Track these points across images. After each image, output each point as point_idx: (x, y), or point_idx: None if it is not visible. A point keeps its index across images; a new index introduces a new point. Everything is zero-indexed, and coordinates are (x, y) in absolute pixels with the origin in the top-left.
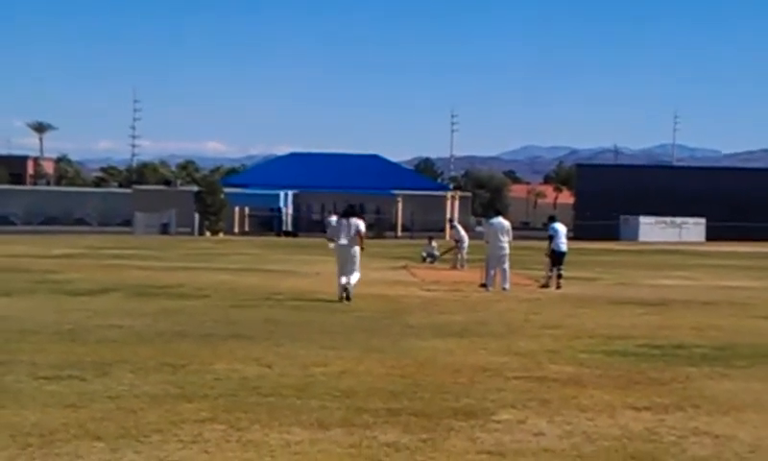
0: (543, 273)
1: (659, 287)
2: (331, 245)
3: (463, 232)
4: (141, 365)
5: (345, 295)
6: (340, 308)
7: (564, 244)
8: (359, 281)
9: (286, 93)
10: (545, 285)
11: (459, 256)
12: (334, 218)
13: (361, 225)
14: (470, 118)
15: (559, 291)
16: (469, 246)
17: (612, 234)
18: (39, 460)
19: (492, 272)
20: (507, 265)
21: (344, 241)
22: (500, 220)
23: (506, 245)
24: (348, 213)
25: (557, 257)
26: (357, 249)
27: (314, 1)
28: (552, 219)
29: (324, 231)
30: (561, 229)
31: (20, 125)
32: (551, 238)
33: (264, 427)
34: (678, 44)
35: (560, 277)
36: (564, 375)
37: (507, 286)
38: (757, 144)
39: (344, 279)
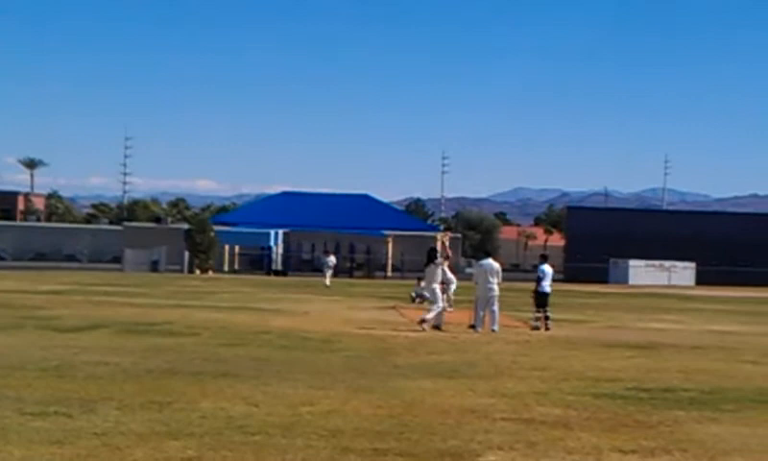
0: (532, 315)
1: (648, 330)
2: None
3: (450, 274)
4: (128, 402)
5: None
6: (328, 348)
7: (548, 286)
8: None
9: (278, 132)
10: (536, 327)
11: (445, 297)
12: (331, 259)
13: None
14: (461, 159)
15: (548, 333)
16: (458, 287)
17: (602, 277)
18: None
19: (482, 313)
20: (496, 307)
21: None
22: (490, 261)
23: (495, 286)
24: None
25: (541, 299)
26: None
27: (305, 41)
28: (544, 258)
29: (316, 271)
30: (548, 270)
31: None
32: (539, 280)
33: None
34: (668, 89)
35: (547, 318)
36: (552, 417)
37: (496, 328)
38: (747, 189)
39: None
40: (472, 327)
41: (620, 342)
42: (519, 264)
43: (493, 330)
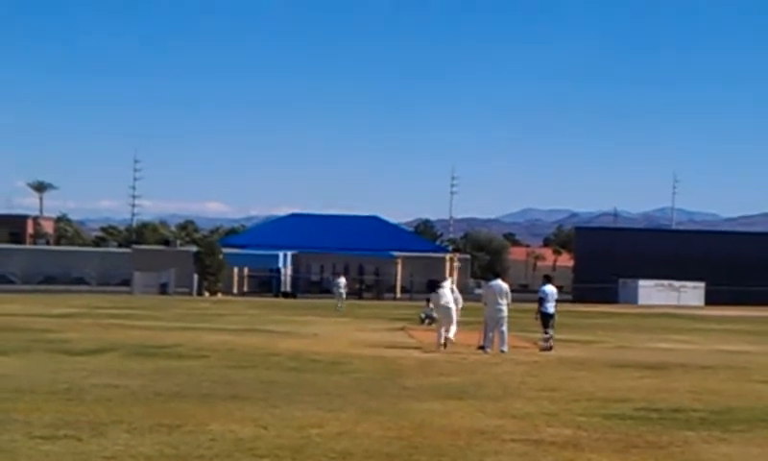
0: (540, 336)
1: (657, 351)
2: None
3: (457, 294)
4: (137, 425)
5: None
6: (337, 370)
7: (551, 306)
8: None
9: (287, 154)
10: (546, 348)
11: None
12: (342, 280)
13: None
14: (470, 180)
15: (553, 353)
16: (464, 307)
17: (611, 297)
18: None
19: (491, 334)
20: (505, 327)
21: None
22: (499, 282)
23: (504, 307)
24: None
25: (544, 319)
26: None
27: (313, 63)
28: (547, 279)
29: (324, 292)
30: (550, 291)
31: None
32: (541, 301)
33: None
34: (677, 108)
35: (548, 337)
36: (562, 438)
37: (505, 349)
38: (756, 208)
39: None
40: (481, 348)
41: (630, 362)
42: (528, 285)
43: (503, 351)
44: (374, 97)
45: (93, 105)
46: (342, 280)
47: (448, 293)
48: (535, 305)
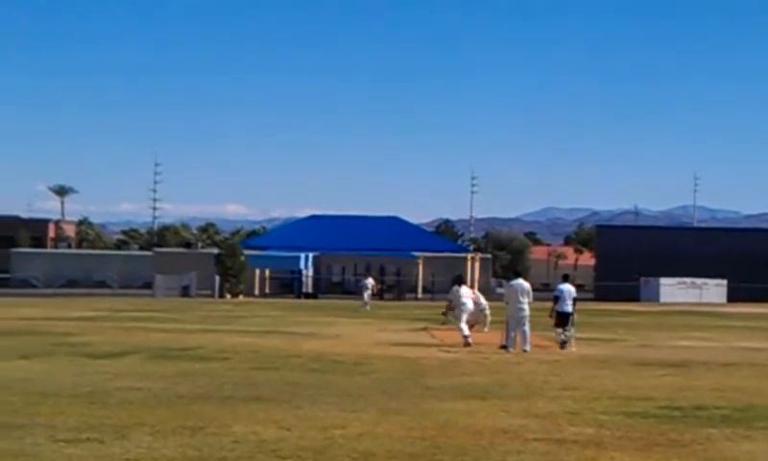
0: (555, 334)
1: (679, 348)
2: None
3: (482, 299)
4: (160, 428)
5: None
6: (359, 370)
7: (568, 305)
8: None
9: (307, 156)
10: (563, 342)
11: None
12: (370, 281)
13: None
14: (491, 180)
15: (576, 352)
16: (490, 307)
17: (633, 296)
18: None
19: (513, 333)
20: (527, 327)
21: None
22: (520, 281)
23: (526, 307)
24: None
25: (561, 319)
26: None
27: (332, 65)
28: (565, 278)
29: (346, 293)
30: (566, 289)
31: (42, 188)
32: (556, 299)
33: None
34: (697, 105)
35: (566, 337)
36: (584, 436)
37: (527, 348)
38: None
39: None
40: (503, 347)
41: (652, 360)
42: (549, 284)
43: (525, 351)
44: (394, 98)
45: (114, 108)
46: (370, 281)
47: (467, 292)
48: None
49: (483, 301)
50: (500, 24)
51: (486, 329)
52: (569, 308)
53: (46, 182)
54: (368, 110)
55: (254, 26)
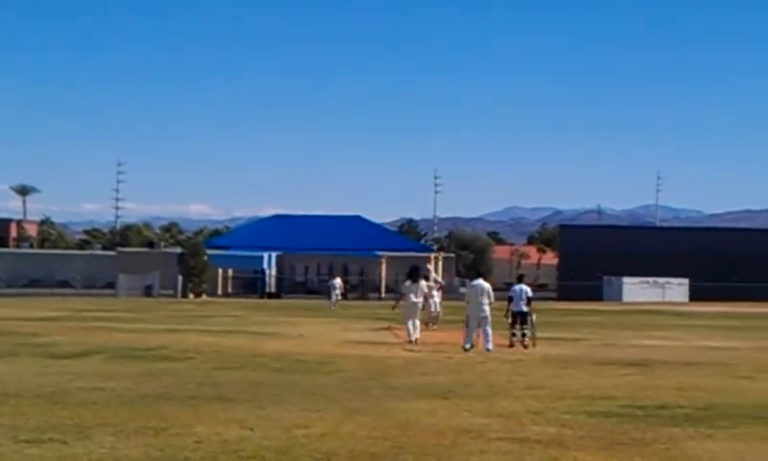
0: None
1: (642, 347)
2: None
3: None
4: (122, 428)
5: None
6: (322, 370)
7: (522, 305)
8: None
9: (270, 156)
10: (511, 345)
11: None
12: (338, 281)
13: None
14: (454, 179)
15: (539, 351)
16: (449, 307)
17: (596, 295)
18: None
19: (473, 334)
20: (489, 327)
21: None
22: (480, 282)
23: (486, 307)
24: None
25: (515, 318)
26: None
27: (295, 64)
28: (519, 278)
29: (310, 293)
30: (520, 289)
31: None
32: (510, 299)
33: None
34: (660, 105)
35: (524, 336)
36: (547, 436)
37: (490, 347)
38: (740, 205)
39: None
40: (464, 348)
41: (615, 359)
42: (513, 283)
43: (488, 350)
44: (357, 97)
45: (76, 107)
46: (337, 281)
47: (422, 289)
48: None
49: (437, 297)
50: (463, 23)
51: (435, 327)
52: (524, 308)
53: (8, 182)
54: (331, 110)
55: (214, 25)
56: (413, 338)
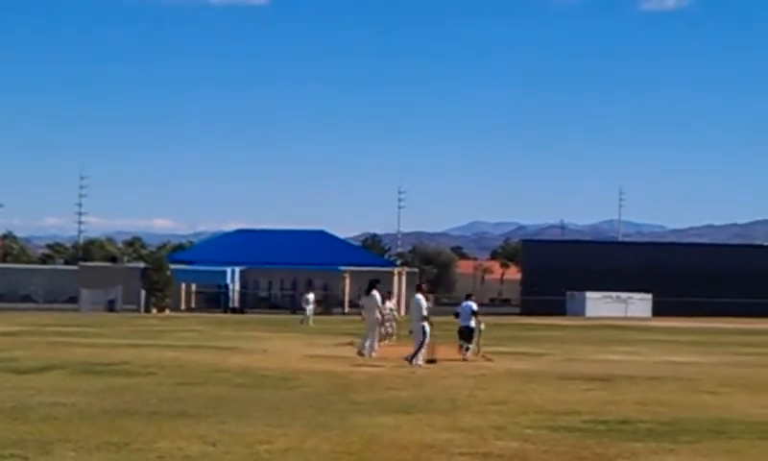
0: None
1: (605, 362)
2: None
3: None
4: (84, 443)
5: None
6: (286, 385)
7: (469, 320)
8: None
9: (234, 170)
10: (465, 359)
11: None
12: (311, 296)
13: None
14: (418, 194)
15: (503, 366)
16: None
17: (559, 310)
18: None
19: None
20: (424, 340)
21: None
22: (418, 297)
23: (421, 321)
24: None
25: (463, 333)
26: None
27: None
28: (468, 297)
29: (273, 307)
30: (466, 306)
31: None
32: (457, 315)
33: None
34: (623, 120)
35: (467, 349)
36: (510, 451)
37: (414, 359)
38: (702, 220)
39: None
40: (430, 361)
41: (578, 374)
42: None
43: (407, 358)
44: (319, 112)
45: (38, 121)
46: (311, 296)
47: (376, 302)
48: (481, 318)
49: (393, 312)
50: (425, 36)
51: (391, 341)
52: (471, 323)
53: None
54: (293, 124)
55: (176, 40)
56: (364, 352)
